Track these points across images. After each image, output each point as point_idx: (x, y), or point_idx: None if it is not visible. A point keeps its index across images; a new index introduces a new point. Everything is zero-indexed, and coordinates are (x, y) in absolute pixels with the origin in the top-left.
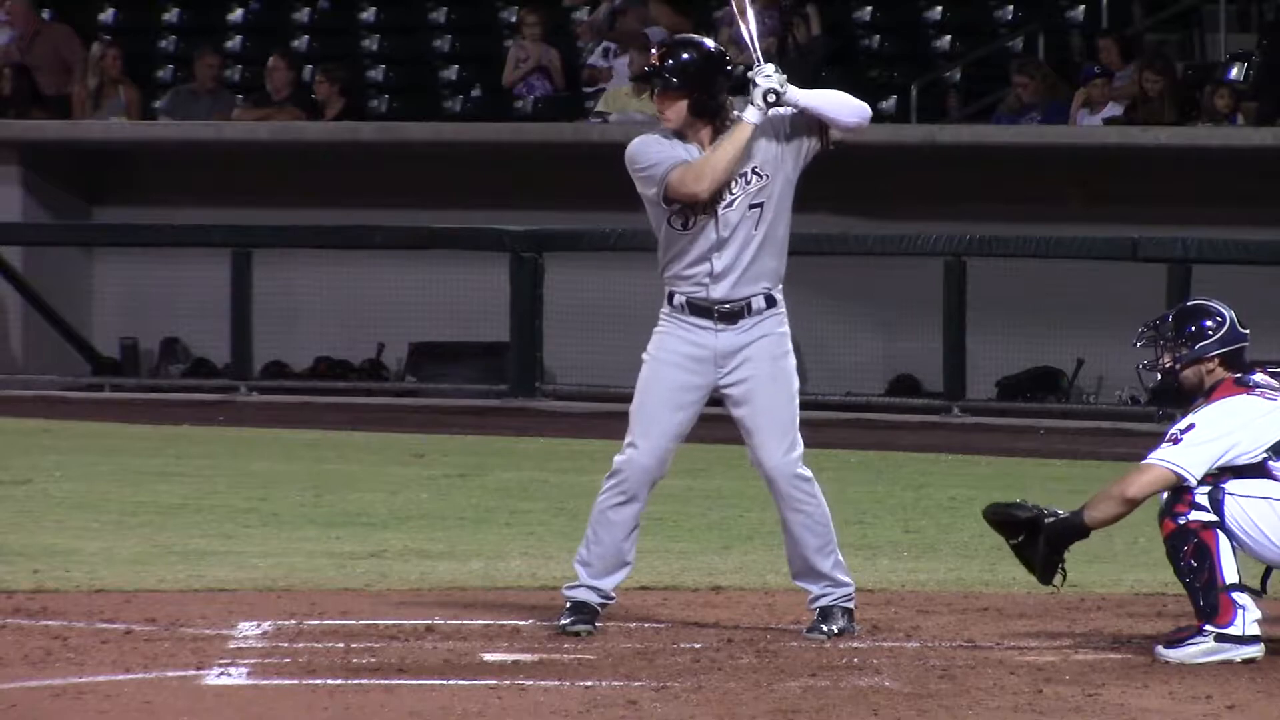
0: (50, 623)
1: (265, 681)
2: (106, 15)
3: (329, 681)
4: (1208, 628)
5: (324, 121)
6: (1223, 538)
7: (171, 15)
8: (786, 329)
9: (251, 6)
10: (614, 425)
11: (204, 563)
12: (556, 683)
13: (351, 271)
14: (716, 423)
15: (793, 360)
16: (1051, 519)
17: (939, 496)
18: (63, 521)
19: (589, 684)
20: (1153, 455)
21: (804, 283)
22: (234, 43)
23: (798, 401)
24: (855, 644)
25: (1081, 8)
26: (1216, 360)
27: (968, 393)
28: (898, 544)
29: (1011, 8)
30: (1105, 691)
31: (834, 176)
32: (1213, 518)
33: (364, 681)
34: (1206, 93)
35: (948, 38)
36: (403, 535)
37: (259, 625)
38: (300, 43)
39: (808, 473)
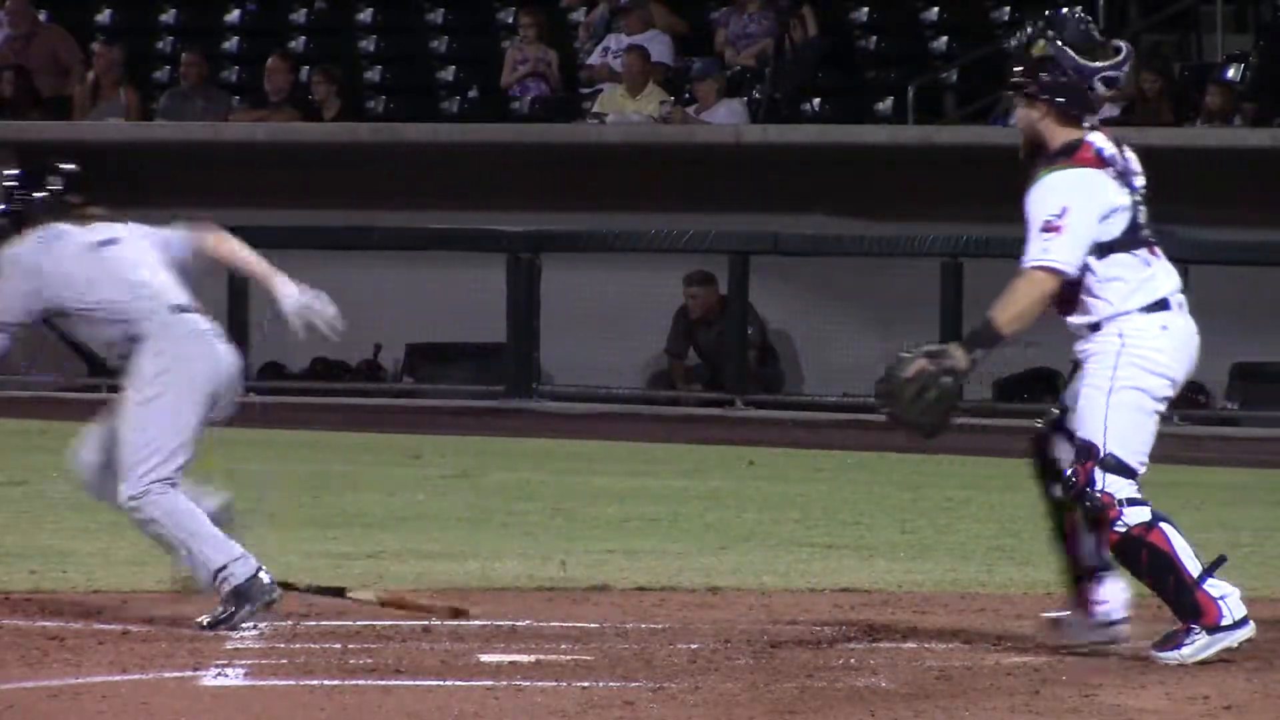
0: (47, 623)
1: (262, 682)
2: (103, 16)
3: (326, 682)
4: (1196, 626)
5: (322, 122)
6: (1170, 531)
7: (168, 16)
8: None
9: (248, 7)
10: (611, 426)
11: None
12: (553, 683)
13: (348, 272)
14: (712, 424)
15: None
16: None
17: (936, 497)
18: (60, 522)
19: (586, 685)
20: (1040, 256)
21: (801, 283)
22: (231, 43)
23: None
24: (852, 645)
25: (1078, 9)
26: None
27: (964, 393)
28: (894, 545)
29: (1008, 8)
30: (1102, 692)
31: (831, 177)
32: (1149, 516)
33: (361, 682)
34: (1209, 93)
35: (945, 38)
36: (400, 536)
37: (256, 626)
38: (297, 44)
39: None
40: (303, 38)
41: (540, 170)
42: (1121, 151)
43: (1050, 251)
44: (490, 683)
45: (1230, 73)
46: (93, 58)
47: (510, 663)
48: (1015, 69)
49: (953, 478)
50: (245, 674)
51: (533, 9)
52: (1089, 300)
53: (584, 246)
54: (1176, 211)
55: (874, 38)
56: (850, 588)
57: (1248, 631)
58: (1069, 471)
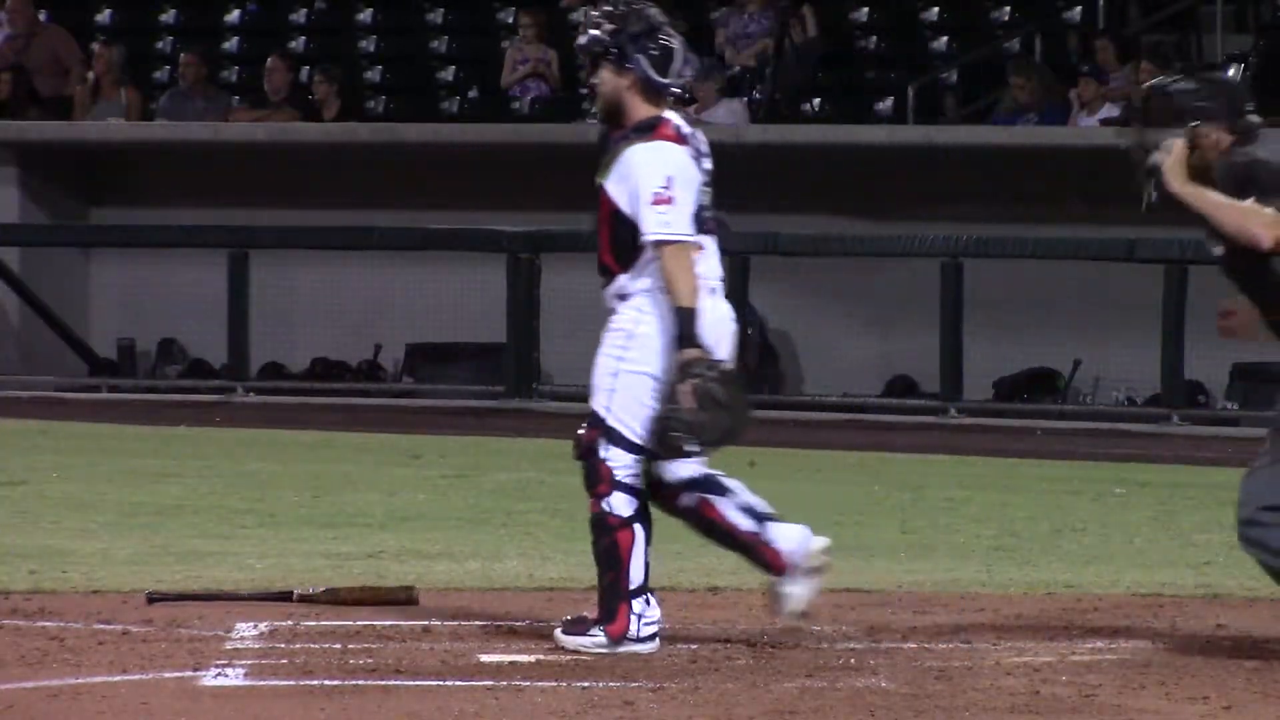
0: (47, 623)
1: (262, 682)
2: (103, 16)
3: (326, 682)
4: (601, 631)
5: (322, 122)
6: (639, 536)
7: (168, 16)
8: None
9: (249, 8)
10: None
11: (201, 563)
12: (553, 683)
13: (348, 272)
14: None
15: None
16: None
17: (935, 497)
18: (60, 522)
19: (586, 685)
20: (664, 228)
21: (801, 283)
22: (231, 44)
23: None
24: (852, 645)
25: (1078, 9)
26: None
27: (964, 394)
28: (894, 545)
29: (1008, 9)
30: (1102, 692)
31: (832, 178)
32: (630, 512)
33: (361, 682)
34: None
35: (944, 39)
36: (399, 536)
37: (256, 626)
38: (297, 44)
39: None
40: (303, 38)
41: (540, 170)
42: (695, 133)
43: (672, 224)
44: (490, 683)
45: (1230, 73)
46: (93, 58)
47: (510, 663)
48: (605, 33)
49: (953, 478)
50: (245, 674)
51: (533, 9)
52: (629, 273)
53: (584, 246)
54: (1174, 213)
55: (874, 38)
56: (850, 588)
57: (650, 648)
58: (580, 430)
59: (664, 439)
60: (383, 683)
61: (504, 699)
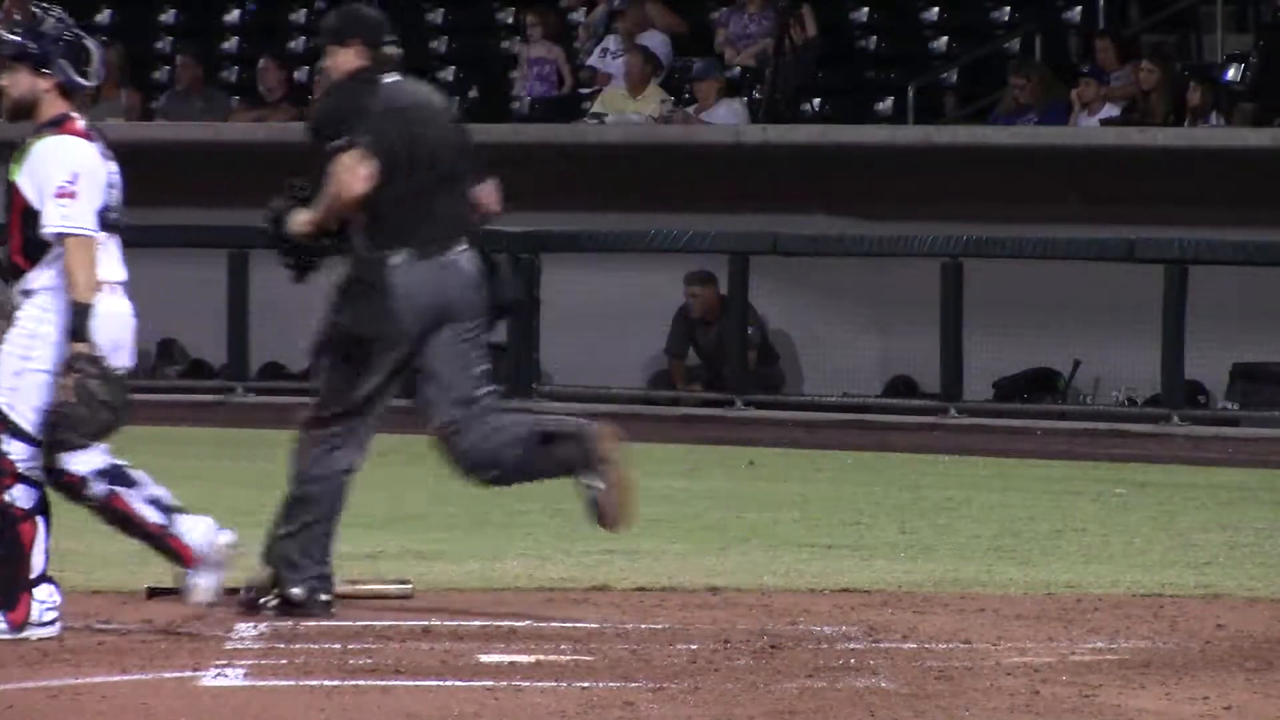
0: None
1: (262, 682)
2: (103, 16)
3: (325, 682)
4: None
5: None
6: (40, 531)
7: (168, 16)
8: None
9: (248, 7)
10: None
11: None
12: (553, 684)
13: None
14: (712, 424)
15: None
16: None
17: (935, 497)
18: (59, 523)
19: (585, 685)
20: (65, 221)
21: (801, 283)
22: (230, 44)
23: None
24: (852, 645)
25: (1078, 9)
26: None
27: (964, 394)
28: (894, 545)
29: (1008, 9)
30: (1102, 692)
31: (831, 177)
32: (32, 504)
33: (360, 682)
34: (1189, 89)
35: (944, 39)
36: (399, 536)
37: (255, 626)
38: (297, 44)
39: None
40: (302, 38)
41: (540, 170)
42: (99, 134)
43: (73, 218)
44: (490, 683)
45: (1230, 73)
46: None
47: (510, 663)
48: (25, 36)
49: (953, 478)
50: (245, 674)
51: (538, 8)
52: (35, 268)
53: (584, 246)
54: (1174, 212)
55: (874, 38)
56: (850, 588)
57: (52, 631)
58: None
59: (50, 432)
60: (382, 683)
61: (504, 699)
